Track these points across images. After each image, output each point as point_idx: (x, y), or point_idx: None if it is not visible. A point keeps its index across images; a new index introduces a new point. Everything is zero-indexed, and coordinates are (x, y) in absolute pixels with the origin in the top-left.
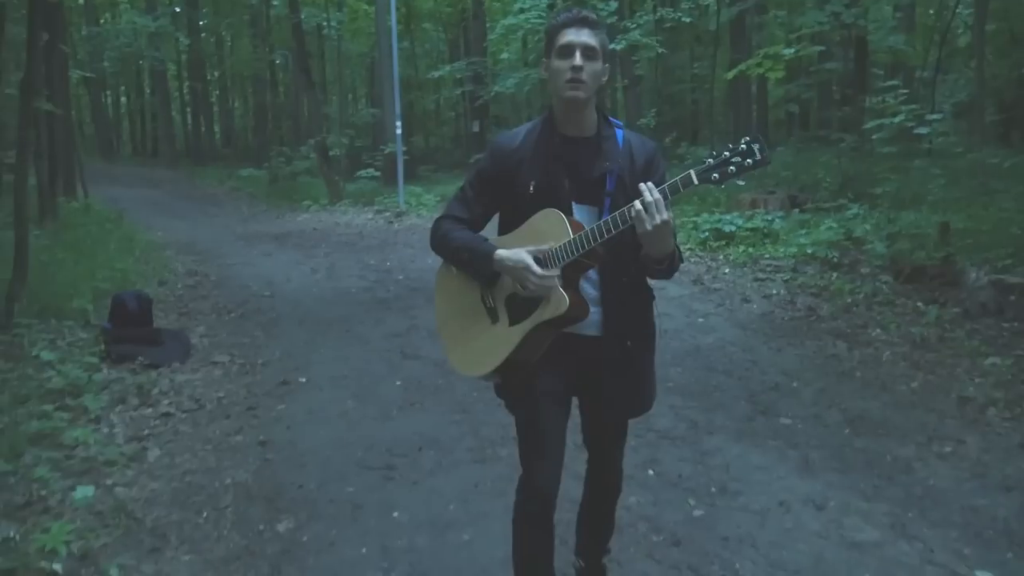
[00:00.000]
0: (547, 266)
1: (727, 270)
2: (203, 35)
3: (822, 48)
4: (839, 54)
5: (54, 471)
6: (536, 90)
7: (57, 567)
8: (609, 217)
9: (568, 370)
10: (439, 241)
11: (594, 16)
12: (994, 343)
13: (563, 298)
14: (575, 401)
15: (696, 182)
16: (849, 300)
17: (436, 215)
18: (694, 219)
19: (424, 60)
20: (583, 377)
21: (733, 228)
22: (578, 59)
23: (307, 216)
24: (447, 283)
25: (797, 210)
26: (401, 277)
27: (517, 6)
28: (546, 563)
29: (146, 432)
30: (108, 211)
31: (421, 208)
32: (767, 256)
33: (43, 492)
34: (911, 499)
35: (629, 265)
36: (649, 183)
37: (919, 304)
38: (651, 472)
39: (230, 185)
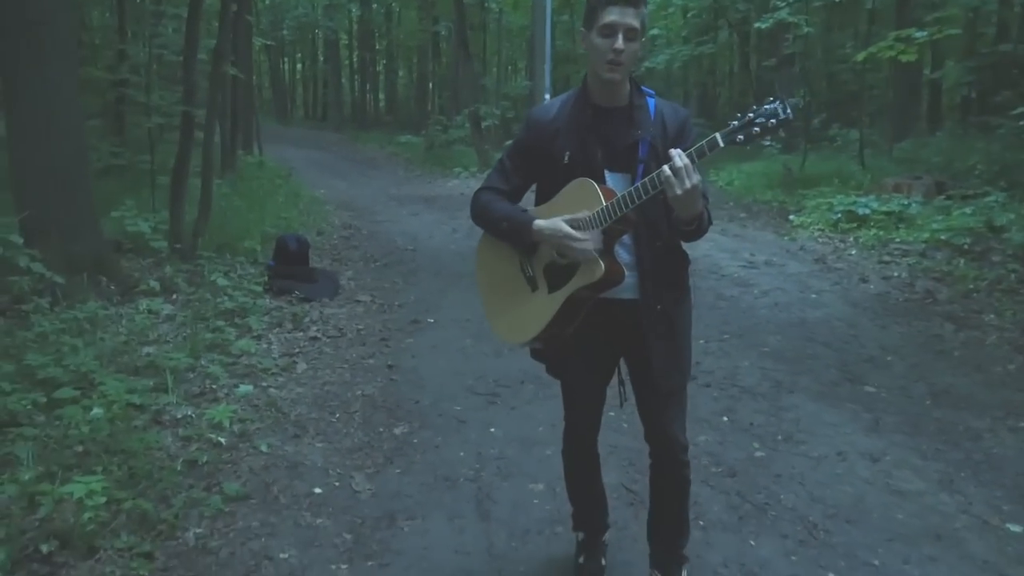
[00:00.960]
0: (591, 235)
1: (854, 251)
2: (374, 6)
3: (957, 31)
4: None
5: (223, 371)
6: (690, 64)
7: (221, 439)
8: (640, 183)
9: (609, 334)
10: (479, 212)
11: None
12: None
13: (598, 263)
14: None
15: (722, 144)
16: (971, 286)
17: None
18: (829, 200)
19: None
20: (625, 341)
21: (867, 211)
22: (620, 42)
23: (456, 182)
24: (488, 255)
25: (942, 196)
26: None
27: None
28: (593, 479)
29: (296, 350)
30: (279, 168)
31: None
32: (897, 240)
33: (214, 386)
34: (968, 462)
35: (662, 230)
36: (678, 149)
37: None
38: (725, 419)
39: (389, 150)
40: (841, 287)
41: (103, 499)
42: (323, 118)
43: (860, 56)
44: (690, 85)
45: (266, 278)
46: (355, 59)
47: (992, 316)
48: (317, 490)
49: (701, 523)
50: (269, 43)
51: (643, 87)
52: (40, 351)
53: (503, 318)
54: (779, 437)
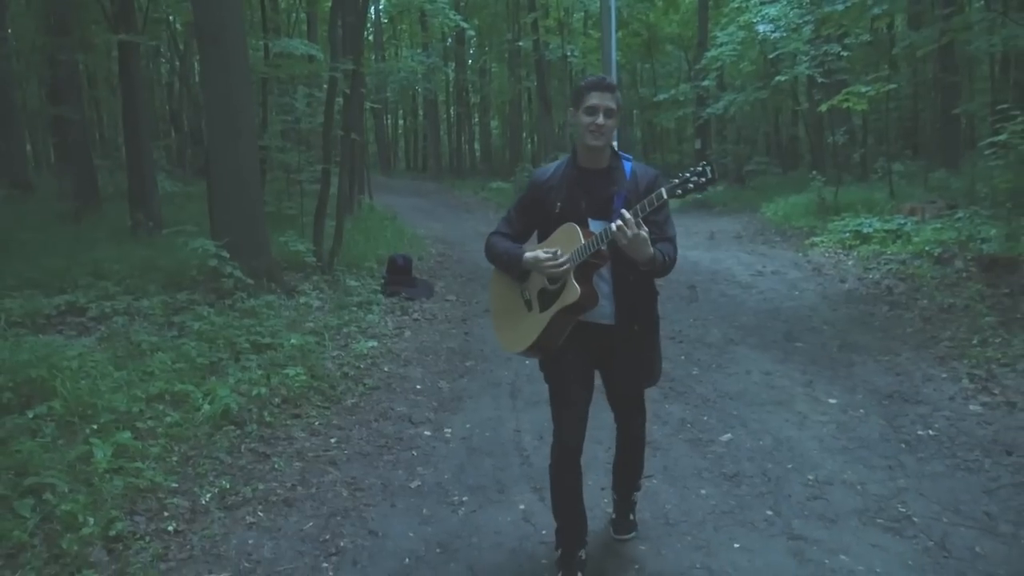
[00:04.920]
0: (564, 258)
1: (850, 262)
2: (469, 63)
3: (895, 86)
4: None
5: (358, 333)
6: (752, 108)
7: (360, 364)
8: (603, 230)
9: (590, 352)
10: (489, 249)
11: (613, 81)
12: (999, 311)
13: (575, 288)
14: (599, 375)
15: (666, 197)
16: (924, 283)
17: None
18: (847, 223)
19: (668, 80)
20: (602, 357)
21: (870, 229)
22: (600, 119)
23: None
24: (497, 284)
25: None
26: None
27: (719, 41)
28: (575, 497)
29: (404, 326)
30: (386, 212)
31: None
32: (889, 252)
33: (351, 342)
34: (831, 376)
35: (635, 266)
36: (623, 210)
37: (980, 286)
38: (682, 357)
39: (482, 195)
40: (822, 287)
41: (301, 379)
42: (423, 168)
43: (823, 106)
44: (752, 130)
45: (382, 284)
46: (452, 114)
47: (925, 301)
48: (418, 386)
49: None
50: (376, 105)
51: (620, 152)
52: (242, 323)
53: (505, 331)
54: (713, 365)
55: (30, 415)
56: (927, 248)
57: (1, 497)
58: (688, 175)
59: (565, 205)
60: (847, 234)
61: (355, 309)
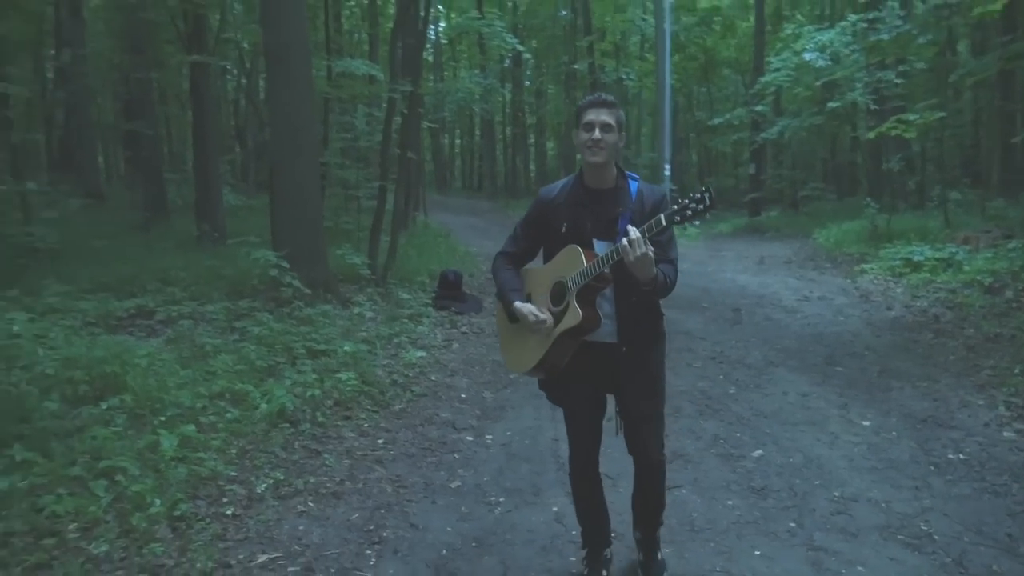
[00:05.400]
0: (566, 291)
1: (899, 290)
2: (526, 84)
3: (943, 114)
4: None
5: (408, 343)
6: (808, 133)
7: (408, 373)
8: (610, 250)
9: (597, 371)
10: (493, 273)
11: (611, 98)
12: None
13: (577, 312)
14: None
15: (664, 223)
16: (972, 312)
17: None
18: (899, 251)
19: (724, 104)
20: (610, 377)
21: (921, 258)
22: (597, 133)
23: None
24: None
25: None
26: None
27: (772, 66)
28: (593, 503)
29: (452, 338)
30: (440, 229)
31: (682, 238)
32: (939, 281)
33: (401, 351)
34: (867, 399)
35: (636, 287)
36: (632, 227)
37: None
38: (721, 376)
39: None
40: (868, 313)
41: (353, 383)
42: (478, 188)
43: (871, 134)
44: (815, 156)
45: (432, 298)
46: (507, 134)
47: (971, 330)
48: (463, 395)
49: (679, 416)
50: (433, 125)
51: (628, 173)
52: (299, 330)
53: (510, 352)
54: (751, 385)
55: (104, 406)
56: (978, 277)
57: (78, 477)
58: (687, 201)
59: (571, 226)
60: (898, 262)
61: (406, 321)
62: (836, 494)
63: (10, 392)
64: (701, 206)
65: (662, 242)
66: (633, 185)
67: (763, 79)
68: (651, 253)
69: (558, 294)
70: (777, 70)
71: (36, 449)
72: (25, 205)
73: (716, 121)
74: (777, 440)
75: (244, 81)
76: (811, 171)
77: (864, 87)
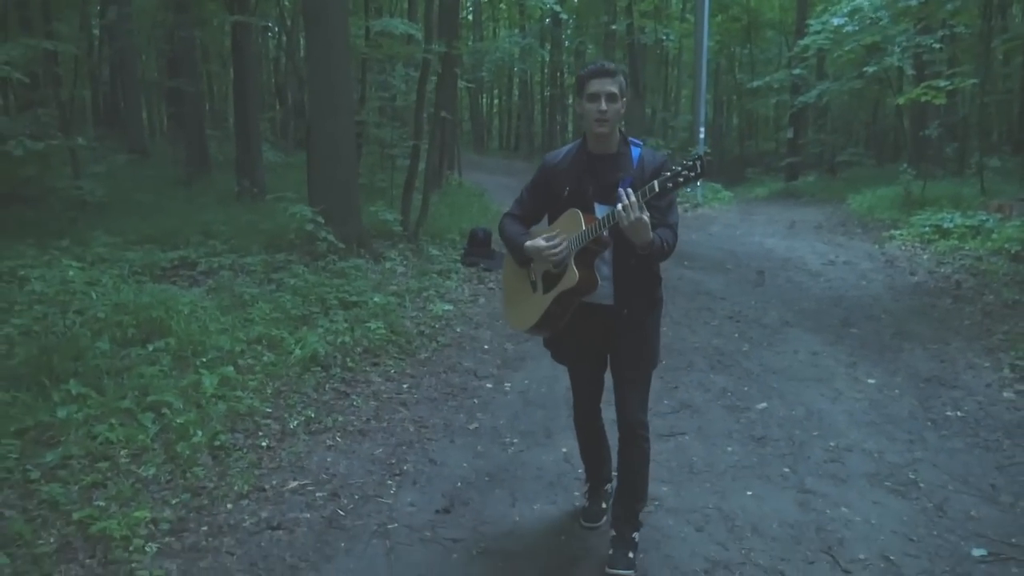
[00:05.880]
0: (562, 247)
1: (925, 256)
2: (566, 44)
3: (974, 81)
4: None
5: (436, 297)
6: (849, 97)
7: (435, 325)
8: (606, 214)
9: (596, 331)
10: (500, 232)
11: (614, 66)
12: None
13: (574, 273)
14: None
15: (657, 189)
16: (996, 278)
17: None
18: (930, 217)
19: (767, 66)
20: (606, 338)
21: (951, 225)
22: (603, 104)
23: None
24: (509, 265)
25: None
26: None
27: (812, 29)
28: (593, 445)
29: (478, 293)
30: (474, 189)
31: (715, 201)
32: (967, 248)
33: (428, 304)
34: (876, 359)
35: (634, 250)
36: (628, 190)
37: None
38: (736, 335)
39: None
40: (891, 278)
41: (381, 332)
42: (515, 148)
43: (901, 99)
44: (855, 120)
45: (462, 254)
46: (546, 94)
47: (991, 296)
48: (486, 346)
49: (690, 370)
50: (471, 85)
51: (630, 139)
52: (332, 282)
53: (513, 310)
54: (764, 343)
55: (150, 348)
56: (1006, 245)
57: (128, 410)
58: (679, 168)
59: (573, 190)
60: (927, 228)
61: (435, 276)
62: (832, 444)
63: (65, 333)
64: (692, 173)
65: (661, 207)
66: (635, 151)
67: (802, 42)
68: (646, 218)
69: None
70: (817, 32)
71: (90, 385)
72: (74, 160)
73: (756, 84)
74: (782, 394)
75: (284, 39)
76: (851, 136)
77: (902, 52)
